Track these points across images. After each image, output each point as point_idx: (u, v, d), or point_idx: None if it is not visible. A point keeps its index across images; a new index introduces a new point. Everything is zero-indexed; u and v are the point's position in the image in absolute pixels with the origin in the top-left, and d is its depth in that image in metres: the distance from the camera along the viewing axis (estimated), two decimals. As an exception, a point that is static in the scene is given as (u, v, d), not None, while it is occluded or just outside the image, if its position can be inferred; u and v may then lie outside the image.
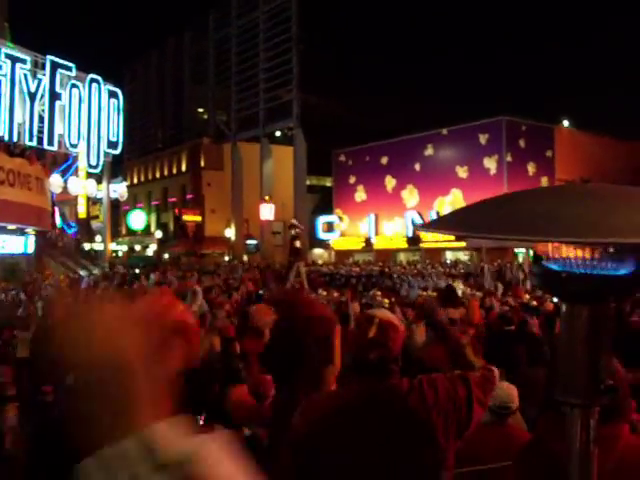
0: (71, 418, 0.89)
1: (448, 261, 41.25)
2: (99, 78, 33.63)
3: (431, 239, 46.82)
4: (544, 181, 45.96)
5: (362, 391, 2.53)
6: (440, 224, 1.45)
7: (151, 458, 0.82)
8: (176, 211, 61.17)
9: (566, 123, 50.16)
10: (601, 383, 1.41)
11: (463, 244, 43.76)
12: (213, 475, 0.83)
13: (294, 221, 24.14)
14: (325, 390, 2.93)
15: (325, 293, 16.32)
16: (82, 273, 32.11)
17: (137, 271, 33.75)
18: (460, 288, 16.37)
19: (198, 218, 58.75)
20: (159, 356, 0.94)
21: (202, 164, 60.11)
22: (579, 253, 1.33)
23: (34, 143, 27.99)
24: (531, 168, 46.26)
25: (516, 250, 40.04)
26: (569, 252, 1.33)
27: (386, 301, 12.88)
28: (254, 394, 5.84)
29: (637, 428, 2.40)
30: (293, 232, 22.84)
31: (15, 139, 26.59)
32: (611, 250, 1.32)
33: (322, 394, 2.73)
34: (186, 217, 59.13)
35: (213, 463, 0.84)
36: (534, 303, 11.84)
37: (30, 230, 27.62)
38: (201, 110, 64.36)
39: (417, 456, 2.44)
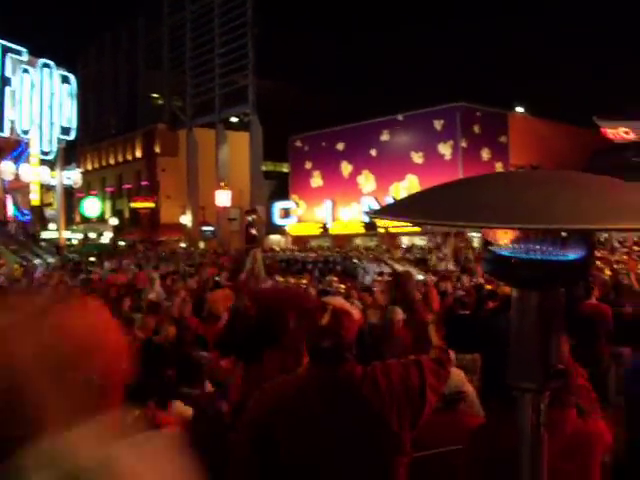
0: None
1: (404, 246, 41.50)
2: (51, 63, 33.11)
3: (387, 224, 47.02)
4: (498, 167, 46.44)
5: (316, 378, 2.53)
6: (392, 211, 1.45)
7: (55, 470, 0.78)
8: (135, 199, 60.63)
9: (520, 109, 50.65)
10: (551, 368, 1.42)
11: (419, 229, 44.03)
12: None
13: (257, 208, 24.06)
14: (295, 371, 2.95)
15: (282, 279, 16.31)
16: (36, 262, 31.62)
17: (92, 259, 33.36)
18: (416, 272, 16.46)
19: (151, 205, 58.24)
20: (71, 363, 0.90)
21: (157, 150, 59.51)
22: (528, 239, 1.33)
23: (-16, 129, 27.48)
24: (485, 154, 46.72)
25: (471, 235, 40.48)
26: (518, 238, 1.34)
27: (342, 286, 12.92)
28: (211, 380, 5.84)
29: (584, 411, 2.43)
30: (249, 218, 22.73)
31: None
32: (561, 235, 1.32)
33: (278, 380, 2.74)
34: (136, 204, 58.62)
35: (128, 473, 0.80)
36: (488, 287, 11.97)
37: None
38: (156, 96, 63.64)
39: (371, 442, 2.45)
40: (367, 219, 48.70)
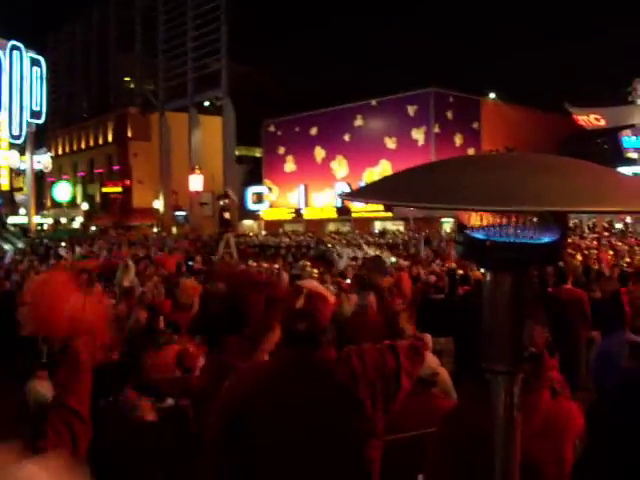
0: None
1: (377, 231, 41.65)
2: (21, 45, 32.66)
3: (360, 209, 47.15)
4: (470, 152, 46.59)
5: (290, 361, 2.53)
6: (365, 193, 1.45)
7: None
8: (109, 183, 60.25)
9: (492, 95, 50.86)
10: (524, 350, 1.43)
11: (391, 214, 44.20)
12: None
13: (229, 191, 23.96)
14: (260, 357, 2.94)
15: (255, 264, 16.30)
16: (6, 247, 31.30)
17: (63, 244, 33.07)
18: (388, 257, 16.53)
19: (119, 189, 57.94)
20: None
21: (129, 134, 59.04)
22: (502, 221, 1.34)
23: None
24: (458, 139, 46.94)
25: (443, 220, 40.72)
26: (493, 220, 1.34)
27: (315, 271, 12.93)
28: (179, 365, 5.83)
29: (557, 392, 2.46)
30: (222, 203, 22.72)
31: None
32: (534, 218, 1.33)
33: (253, 363, 2.73)
34: (107, 189, 58.31)
35: None
36: (460, 272, 12.06)
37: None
38: (128, 79, 63.03)
39: (344, 426, 2.45)
40: (340, 204, 48.81)
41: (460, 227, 1.43)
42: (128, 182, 58.18)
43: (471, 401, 2.35)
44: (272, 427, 2.42)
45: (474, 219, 1.37)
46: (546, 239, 1.34)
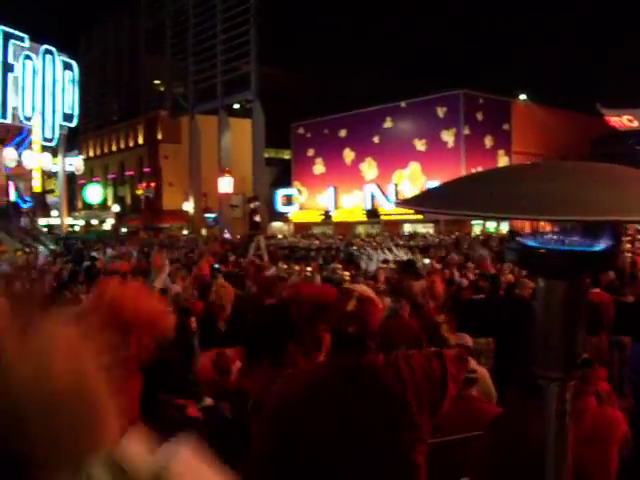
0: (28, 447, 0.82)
1: (406, 233, 41.52)
2: (53, 49, 33.02)
3: (390, 211, 47.04)
4: (501, 154, 46.43)
5: (340, 365, 2.55)
6: (422, 201, 1.46)
7: (119, 475, 0.81)
8: (140, 185, 60.79)
9: (523, 96, 50.49)
10: (577, 357, 1.44)
11: (421, 217, 44.04)
12: None
13: (257, 202, 24.06)
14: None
15: (286, 266, 16.30)
16: (40, 248, 31.65)
17: (94, 245, 33.37)
18: (420, 260, 16.47)
19: (143, 192, 58.72)
20: (117, 372, 0.91)
21: (159, 137, 59.48)
22: (557, 230, 1.35)
23: (-13, 116, 27.43)
24: (488, 141, 46.63)
25: (473, 222, 40.49)
26: (546, 229, 1.35)
27: (347, 274, 12.90)
28: (216, 368, 5.85)
29: (602, 398, 2.46)
30: (252, 205, 22.79)
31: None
32: (589, 226, 1.33)
33: (302, 368, 2.75)
34: (140, 191, 58.87)
35: (185, 476, 0.83)
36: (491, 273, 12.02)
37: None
38: (158, 82, 63.48)
39: (393, 430, 2.46)
40: (369, 206, 48.74)
41: (512, 234, 1.44)
42: (158, 184, 58.61)
43: (518, 407, 2.36)
44: (322, 431, 2.44)
45: (527, 226, 1.39)
46: (601, 247, 1.35)
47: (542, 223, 1.35)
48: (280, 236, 44.02)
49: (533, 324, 1.45)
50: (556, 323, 1.42)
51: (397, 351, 2.65)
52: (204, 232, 48.81)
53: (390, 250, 21.40)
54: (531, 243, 1.38)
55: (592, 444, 2.29)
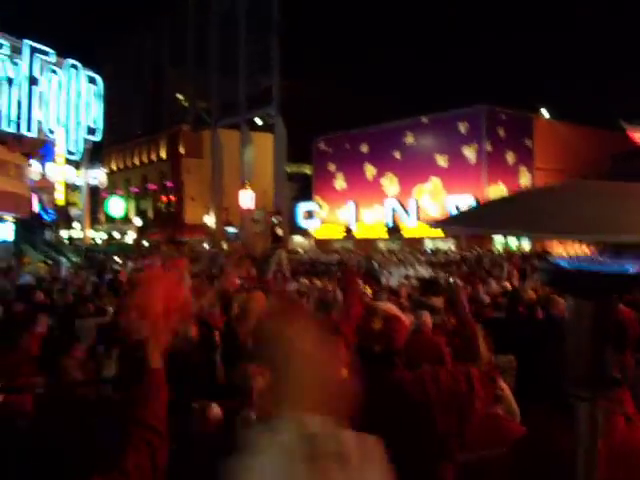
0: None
1: (428, 249, 41.35)
2: (78, 64, 33.36)
3: (411, 227, 46.96)
4: (523, 171, 46.24)
5: (367, 382, 2.55)
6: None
7: (308, 440, 0.95)
8: (161, 198, 61.15)
9: (545, 112, 50.30)
10: (607, 376, 1.45)
11: (442, 233, 43.86)
12: (367, 469, 0.92)
13: (279, 216, 24.12)
14: None
15: (307, 281, 16.28)
16: (62, 261, 31.89)
17: (115, 258, 33.56)
18: (443, 277, 16.40)
19: (167, 204, 59.22)
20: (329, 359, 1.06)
21: (181, 151, 59.83)
22: (588, 249, 1.36)
23: (13, 129, 27.71)
24: (510, 157, 46.45)
25: (495, 238, 40.29)
26: (578, 249, 1.36)
27: (369, 289, 12.85)
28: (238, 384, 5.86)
29: (630, 419, 2.44)
30: (274, 219, 22.87)
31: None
32: (621, 247, 1.35)
33: None
34: (163, 204, 59.24)
35: (365, 458, 0.93)
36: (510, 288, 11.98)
37: (8, 217, 27.40)
38: (180, 96, 63.91)
39: (418, 447, 2.47)
40: (390, 221, 48.65)
41: (543, 254, 1.46)
42: (180, 198, 58.92)
43: (546, 426, 2.35)
44: None
45: (558, 246, 1.40)
46: (631, 268, 1.36)
47: (577, 243, 1.37)
48: (300, 250, 44.05)
49: (561, 342, 1.46)
50: (586, 342, 1.43)
51: (424, 368, 2.65)
52: (225, 246, 48.93)
53: (412, 266, 21.35)
54: (562, 263, 1.39)
55: (619, 466, 2.27)
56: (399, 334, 2.54)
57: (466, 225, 1.44)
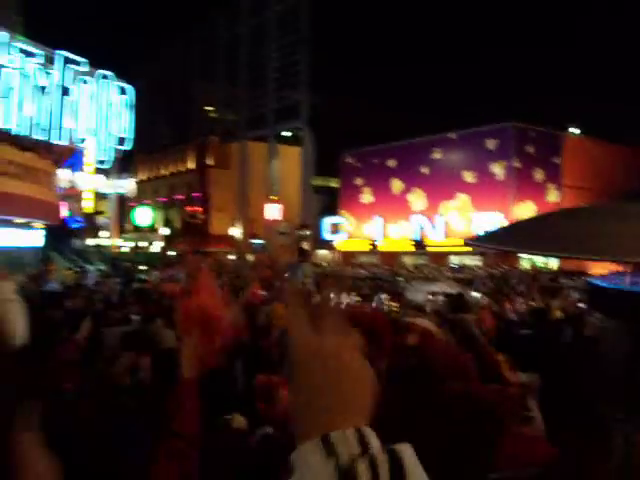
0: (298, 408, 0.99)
1: (453, 265, 41.20)
2: (109, 74, 33.71)
3: (437, 243, 46.85)
4: (551, 188, 45.96)
5: (402, 398, 2.55)
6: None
7: (365, 447, 0.91)
8: (186, 208, 61.45)
9: (574, 130, 50.02)
10: (644, 398, 1.43)
11: (469, 248, 43.74)
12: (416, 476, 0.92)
13: (307, 230, 24.13)
14: None
15: (332, 295, 16.27)
16: (90, 268, 32.14)
17: (142, 268, 33.77)
18: (470, 293, 16.32)
19: (199, 215, 59.39)
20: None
21: (209, 162, 60.19)
22: (627, 271, 1.35)
23: (44, 137, 28.03)
24: (539, 175, 46.19)
25: (520, 255, 40.05)
26: (617, 270, 1.36)
27: (394, 305, 12.84)
28: (261, 396, 5.85)
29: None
30: (302, 233, 22.88)
31: (25, 133, 26.64)
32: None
33: None
34: (191, 215, 59.55)
35: (415, 468, 0.93)
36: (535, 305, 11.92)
37: (37, 224, 27.67)
38: (209, 108, 64.35)
39: (451, 465, 2.46)
40: (417, 237, 48.57)
41: (582, 274, 1.45)
42: (207, 209, 59.22)
43: (578, 446, 2.33)
44: None
45: (596, 267, 1.40)
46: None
47: (616, 264, 1.36)
48: (324, 264, 44.03)
49: (592, 363, 1.45)
50: (622, 363, 1.42)
51: (455, 386, 2.64)
52: (250, 258, 49.07)
53: (437, 281, 21.28)
54: (599, 283, 1.38)
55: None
56: (434, 350, 2.53)
57: (502, 244, 1.44)
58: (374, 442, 0.92)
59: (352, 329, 1.04)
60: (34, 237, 27.94)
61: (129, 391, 4.84)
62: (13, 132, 25.64)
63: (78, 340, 6.76)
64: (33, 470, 0.95)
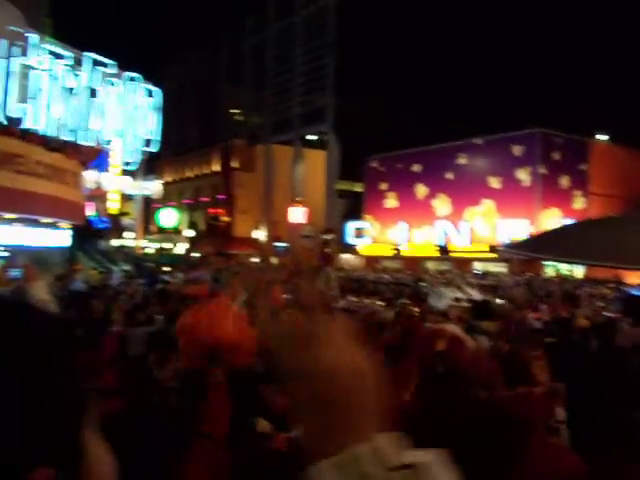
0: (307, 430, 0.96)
1: (477, 271, 41.01)
2: (137, 76, 33.92)
3: (461, 249, 46.67)
4: (577, 195, 45.66)
5: (431, 404, 2.53)
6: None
7: (381, 462, 0.89)
8: (209, 211, 61.68)
9: (601, 136, 49.65)
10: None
11: (493, 255, 43.54)
12: None
13: (332, 234, 24.12)
14: None
15: (356, 299, 16.21)
16: (114, 269, 32.35)
17: (165, 269, 33.87)
18: (494, 301, 16.19)
19: (223, 218, 59.55)
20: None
21: (234, 165, 60.39)
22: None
23: (71, 138, 28.23)
24: (565, 181, 45.91)
25: (545, 262, 39.79)
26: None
27: (416, 310, 12.75)
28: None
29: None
30: (326, 237, 22.86)
31: (53, 134, 26.84)
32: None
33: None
34: (217, 219, 59.81)
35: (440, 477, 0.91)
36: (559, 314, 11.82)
37: (64, 224, 27.88)
38: (235, 111, 64.58)
39: (481, 469, 2.43)
40: (441, 243, 48.43)
41: (617, 283, 1.43)
42: (231, 211, 59.41)
43: (612, 456, 2.30)
44: None
45: (631, 275, 1.38)
46: None
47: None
48: (346, 268, 43.93)
49: (621, 372, 1.43)
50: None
51: (483, 392, 2.61)
52: (274, 261, 49.08)
53: (461, 288, 21.15)
54: (636, 293, 1.36)
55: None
56: (462, 356, 2.52)
57: (545, 252, 1.42)
58: (393, 457, 0.90)
59: (362, 343, 1.02)
60: (61, 237, 28.15)
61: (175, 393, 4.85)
62: (41, 133, 25.82)
63: (116, 334, 6.81)
64: (99, 469, 0.94)
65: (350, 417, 0.94)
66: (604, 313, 12.77)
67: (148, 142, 35.62)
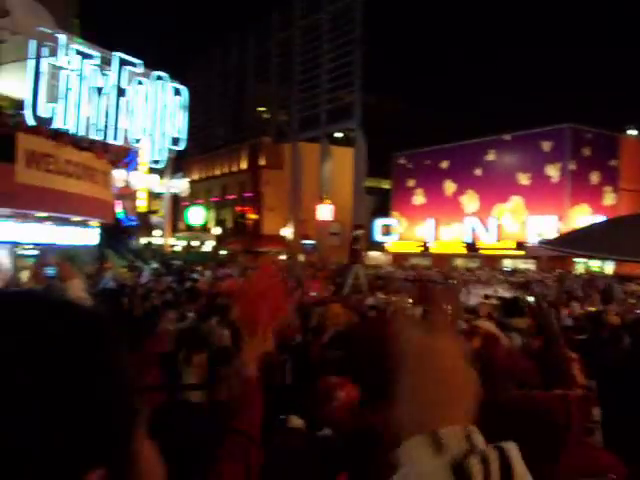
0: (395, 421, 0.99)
1: (506, 268, 40.76)
2: (165, 75, 34.09)
3: (490, 246, 46.41)
4: (607, 191, 45.22)
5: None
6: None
7: (472, 443, 0.92)
8: (237, 209, 61.92)
9: (632, 132, 49.11)
10: None
11: (522, 252, 43.25)
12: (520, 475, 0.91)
13: (361, 231, 24.13)
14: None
15: (384, 296, 16.22)
16: (144, 266, 32.59)
17: (194, 267, 34.05)
18: (524, 298, 16.10)
19: (252, 215, 59.66)
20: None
21: (262, 163, 60.51)
22: None
23: (100, 137, 28.44)
24: (595, 177, 45.45)
25: (575, 259, 39.44)
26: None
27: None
28: (317, 396, 5.84)
29: None
30: (356, 234, 22.81)
31: (83, 133, 27.06)
32: None
33: None
34: (247, 216, 59.99)
35: (521, 467, 0.92)
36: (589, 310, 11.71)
37: (93, 222, 28.10)
38: (262, 109, 64.70)
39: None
40: (469, 239, 48.19)
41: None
42: (259, 209, 59.57)
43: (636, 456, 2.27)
44: None
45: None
46: None
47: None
48: (375, 265, 43.85)
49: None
50: None
51: (519, 392, 2.59)
52: (302, 258, 49.14)
53: (491, 285, 21.06)
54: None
55: None
56: (498, 354, 2.50)
57: (586, 249, 1.40)
58: (480, 440, 0.92)
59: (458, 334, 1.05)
60: (90, 235, 28.38)
61: (183, 389, 4.87)
62: (71, 132, 26.03)
63: (165, 332, 6.83)
64: (150, 470, 0.96)
65: (452, 397, 0.98)
66: (637, 311, 12.64)
67: (176, 140, 35.80)
